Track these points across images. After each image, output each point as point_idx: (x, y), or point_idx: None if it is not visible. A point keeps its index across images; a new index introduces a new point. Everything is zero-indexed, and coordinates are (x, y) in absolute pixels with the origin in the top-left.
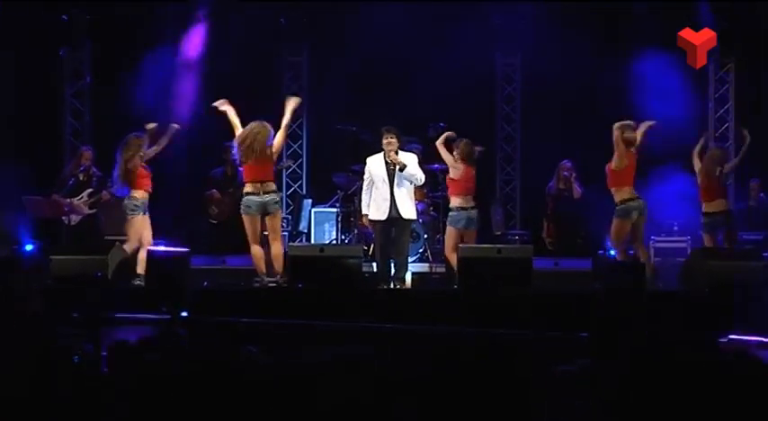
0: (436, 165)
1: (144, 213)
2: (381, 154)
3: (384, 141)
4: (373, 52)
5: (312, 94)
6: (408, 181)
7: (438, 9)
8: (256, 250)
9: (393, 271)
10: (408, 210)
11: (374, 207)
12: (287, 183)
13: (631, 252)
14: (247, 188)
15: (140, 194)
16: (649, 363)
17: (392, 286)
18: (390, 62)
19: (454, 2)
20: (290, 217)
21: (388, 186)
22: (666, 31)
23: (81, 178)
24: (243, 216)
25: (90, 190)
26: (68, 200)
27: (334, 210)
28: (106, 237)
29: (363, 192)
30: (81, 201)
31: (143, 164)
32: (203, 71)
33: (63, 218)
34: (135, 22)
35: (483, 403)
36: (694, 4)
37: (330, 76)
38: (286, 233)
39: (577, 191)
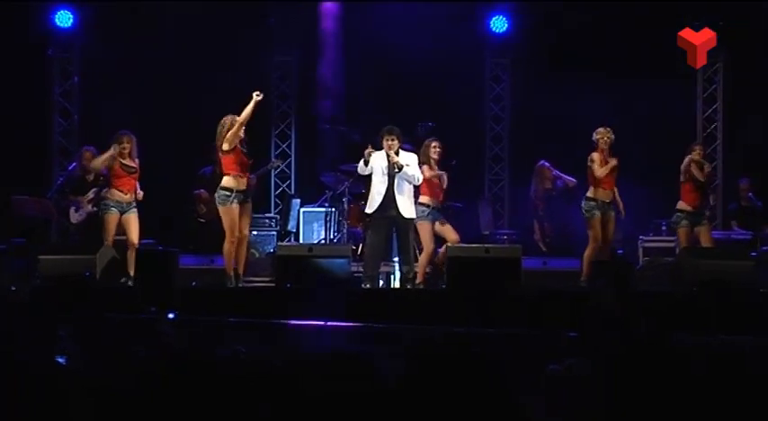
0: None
1: (120, 212)
2: (383, 151)
3: (385, 143)
4: (362, 52)
5: (301, 94)
6: (406, 181)
7: (427, 9)
8: None
9: (401, 271)
10: (408, 209)
11: (369, 201)
12: (275, 182)
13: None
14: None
15: (111, 193)
16: (638, 362)
17: (405, 286)
18: (379, 62)
19: (444, 2)
20: (278, 216)
21: (387, 184)
22: (655, 34)
23: (88, 178)
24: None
25: (96, 188)
26: (79, 198)
27: (323, 209)
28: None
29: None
30: (87, 199)
31: (125, 163)
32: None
33: (71, 216)
34: (127, 20)
35: (471, 403)
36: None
37: (318, 75)
38: (275, 232)
39: (572, 181)
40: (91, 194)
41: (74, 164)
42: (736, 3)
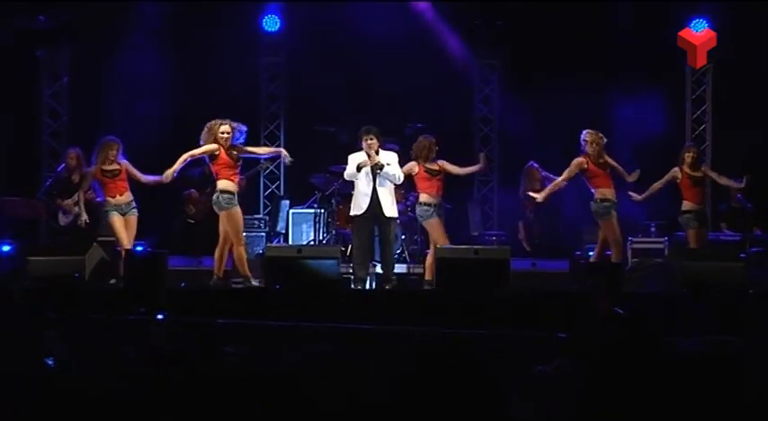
0: None
1: (121, 213)
2: (363, 152)
3: (364, 143)
4: (352, 52)
5: (290, 95)
6: (388, 180)
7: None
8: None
9: (381, 272)
10: (390, 208)
11: (354, 203)
12: (264, 183)
13: (608, 252)
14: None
15: (107, 201)
16: (626, 363)
17: (383, 287)
18: (368, 62)
19: (434, 2)
20: (267, 218)
21: (371, 184)
22: (648, 35)
23: (74, 179)
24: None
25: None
26: (65, 201)
27: (312, 210)
28: (99, 239)
29: (346, 172)
30: (73, 201)
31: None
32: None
33: (59, 218)
34: (113, 22)
35: (459, 403)
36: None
37: (308, 76)
38: (264, 233)
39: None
40: (76, 196)
41: (62, 165)
42: (728, 4)
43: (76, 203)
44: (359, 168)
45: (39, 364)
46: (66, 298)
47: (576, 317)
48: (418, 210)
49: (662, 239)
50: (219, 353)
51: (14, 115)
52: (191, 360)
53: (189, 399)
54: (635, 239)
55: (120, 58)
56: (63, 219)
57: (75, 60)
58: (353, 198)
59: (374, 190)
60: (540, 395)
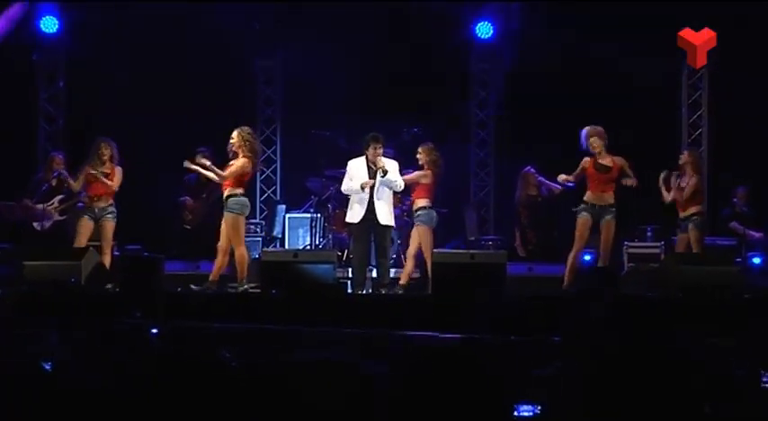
0: (410, 170)
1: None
2: (363, 157)
3: (372, 151)
4: (347, 56)
5: (285, 98)
6: (388, 187)
7: (411, 11)
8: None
9: (376, 276)
10: (386, 215)
11: (350, 209)
12: (261, 188)
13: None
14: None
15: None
16: (622, 366)
17: (379, 291)
18: (363, 66)
19: (430, 2)
20: (263, 222)
21: (368, 192)
22: (644, 35)
23: (53, 184)
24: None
25: (61, 196)
26: (40, 205)
27: (308, 215)
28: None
29: (343, 185)
30: (52, 206)
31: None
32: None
33: (35, 224)
34: (112, 25)
35: (456, 408)
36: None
37: (303, 80)
38: (260, 238)
39: (557, 187)
40: (56, 202)
41: (56, 171)
42: (723, 9)
43: (56, 209)
44: (362, 188)
45: (34, 369)
46: (62, 303)
47: (571, 321)
48: (424, 213)
49: (658, 244)
50: (215, 358)
51: (10, 119)
52: (185, 365)
53: (182, 404)
54: (631, 244)
55: (116, 62)
56: (38, 225)
57: (72, 64)
58: (350, 204)
59: (371, 198)
60: (538, 398)
